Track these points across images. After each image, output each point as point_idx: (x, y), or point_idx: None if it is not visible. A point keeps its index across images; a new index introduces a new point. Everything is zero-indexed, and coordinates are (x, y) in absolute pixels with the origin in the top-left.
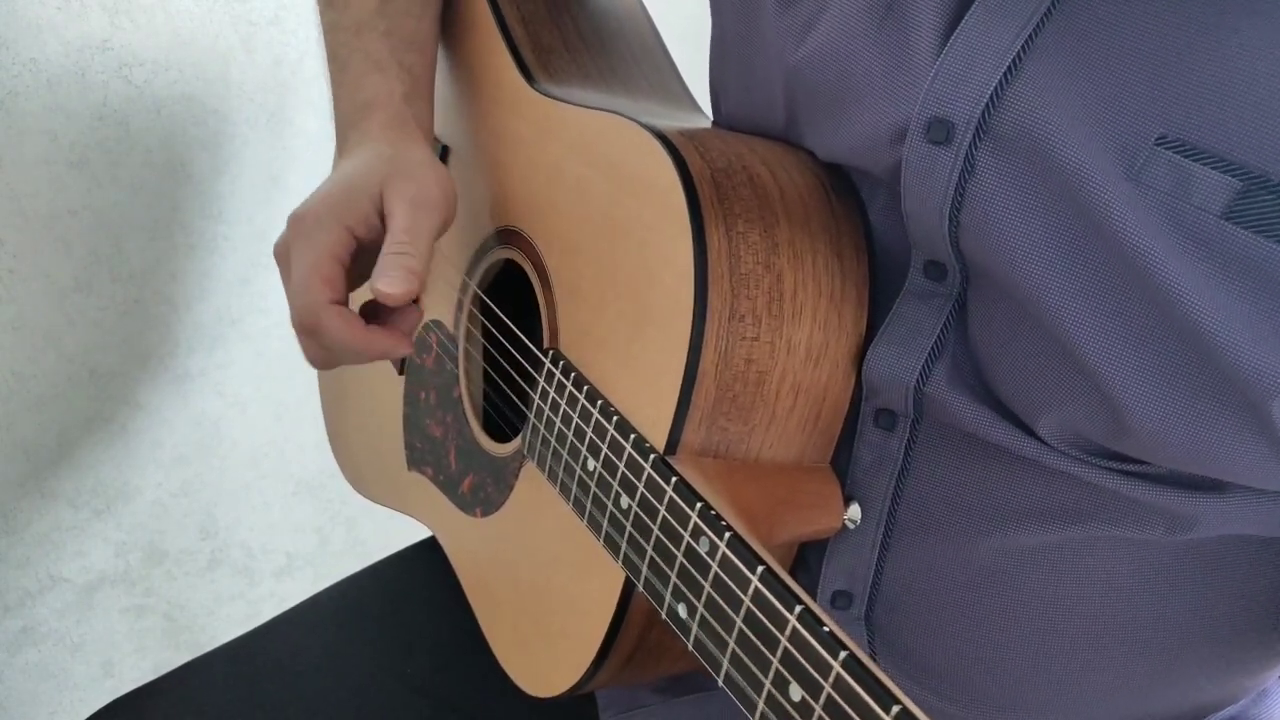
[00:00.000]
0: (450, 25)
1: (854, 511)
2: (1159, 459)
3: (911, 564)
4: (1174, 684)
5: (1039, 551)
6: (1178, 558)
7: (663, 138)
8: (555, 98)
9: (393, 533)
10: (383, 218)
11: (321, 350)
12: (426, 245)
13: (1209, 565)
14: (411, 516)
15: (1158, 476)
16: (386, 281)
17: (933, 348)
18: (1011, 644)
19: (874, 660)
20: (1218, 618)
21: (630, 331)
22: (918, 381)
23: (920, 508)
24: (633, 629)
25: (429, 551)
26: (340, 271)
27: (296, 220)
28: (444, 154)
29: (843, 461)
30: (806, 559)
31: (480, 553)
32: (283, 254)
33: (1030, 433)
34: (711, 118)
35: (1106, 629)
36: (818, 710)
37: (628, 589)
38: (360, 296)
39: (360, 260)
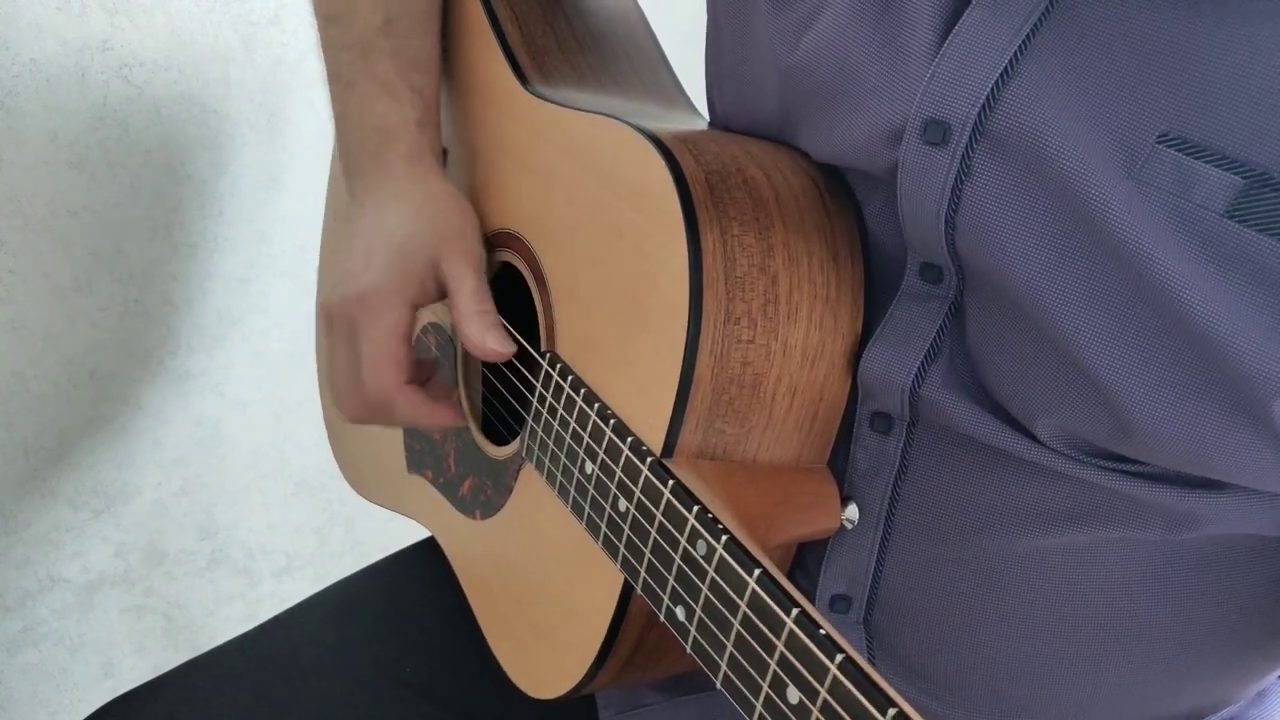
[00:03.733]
0: (445, 28)
1: (852, 511)
2: (1158, 460)
3: (910, 567)
4: (1175, 685)
5: (1039, 555)
6: (1177, 559)
7: (656, 141)
8: (549, 100)
9: (392, 533)
10: (437, 279)
11: (381, 419)
12: (490, 297)
13: (1208, 566)
14: (411, 518)
15: (1156, 475)
16: (497, 341)
17: (928, 350)
18: (1011, 648)
19: (872, 665)
20: (1219, 618)
21: (626, 334)
22: (913, 384)
23: (918, 511)
24: (632, 631)
25: (428, 552)
26: (407, 350)
27: (360, 301)
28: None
29: (840, 464)
30: (805, 562)
31: (480, 555)
32: (335, 325)
33: (1028, 435)
34: (708, 118)
35: (1107, 632)
36: (815, 713)
37: (626, 591)
38: None
39: None
